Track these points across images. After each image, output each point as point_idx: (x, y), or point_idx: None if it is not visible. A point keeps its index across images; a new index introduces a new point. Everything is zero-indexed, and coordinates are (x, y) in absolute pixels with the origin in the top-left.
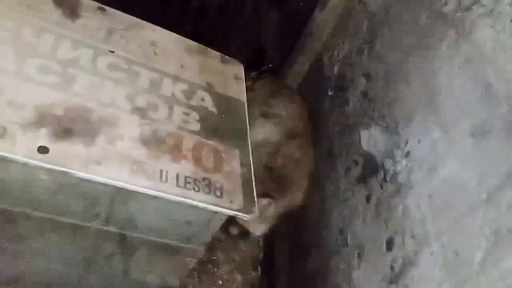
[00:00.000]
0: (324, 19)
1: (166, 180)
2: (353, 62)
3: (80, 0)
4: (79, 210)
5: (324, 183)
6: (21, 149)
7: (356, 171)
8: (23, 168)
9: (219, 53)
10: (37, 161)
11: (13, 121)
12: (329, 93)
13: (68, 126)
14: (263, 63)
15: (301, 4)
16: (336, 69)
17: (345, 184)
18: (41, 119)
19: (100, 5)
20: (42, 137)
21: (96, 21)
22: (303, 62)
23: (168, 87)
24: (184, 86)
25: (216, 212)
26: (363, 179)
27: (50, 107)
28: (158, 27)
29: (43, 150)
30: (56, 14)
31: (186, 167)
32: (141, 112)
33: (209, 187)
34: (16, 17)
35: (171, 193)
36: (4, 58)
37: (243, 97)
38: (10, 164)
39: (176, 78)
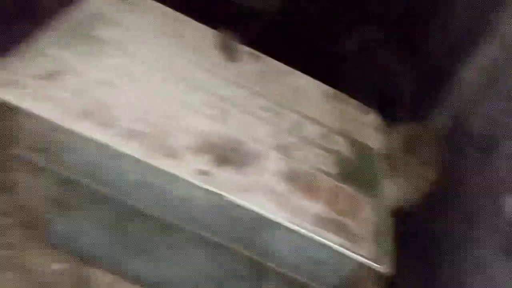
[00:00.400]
0: (469, 76)
1: (302, 215)
2: (500, 122)
3: (239, 46)
4: (224, 230)
5: (459, 251)
6: (187, 169)
7: (500, 241)
8: (186, 186)
9: (358, 102)
10: (198, 182)
11: (183, 144)
12: (470, 153)
13: (226, 155)
14: (396, 114)
15: (443, 57)
16: (479, 129)
17: (487, 255)
18: (204, 146)
19: (256, 52)
20: (204, 162)
21: (250, 65)
22: (441, 118)
23: (308, 129)
24: (323, 130)
25: (346, 257)
26: (509, 251)
27: (212, 137)
28: (304, 75)
29: (204, 173)
30: (219, 57)
31: (321, 207)
32: (284, 150)
33: (342, 230)
34: (188, 58)
35: (306, 229)
36: (177, 91)
37: (379, 147)
38: (177, 181)
39: (315, 122)
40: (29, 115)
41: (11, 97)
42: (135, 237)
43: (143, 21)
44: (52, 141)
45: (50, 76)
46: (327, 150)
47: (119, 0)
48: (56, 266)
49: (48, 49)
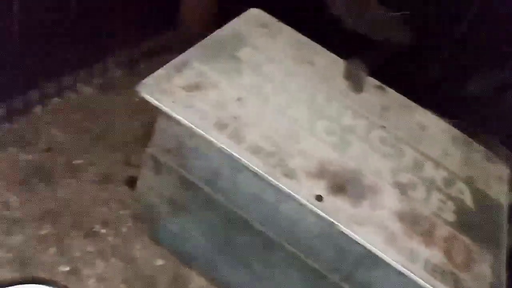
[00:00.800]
0: None
1: (415, 261)
2: None
3: (364, 77)
4: (326, 259)
5: None
6: (303, 192)
7: None
8: (299, 208)
9: (485, 149)
10: (313, 206)
11: (302, 167)
12: None
13: (342, 184)
14: None
15: None
16: None
17: None
18: (322, 172)
19: (380, 84)
20: (320, 187)
21: (375, 97)
22: None
23: (429, 170)
24: (445, 174)
25: None
26: None
27: (329, 163)
28: (428, 112)
29: (319, 198)
30: (344, 86)
31: (435, 255)
32: (401, 188)
33: (456, 284)
34: (315, 84)
35: (418, 275)
36: (302, 115)
37: (505, 200)
38: (291, 201)
39: (438, 164)
40: (171, 119)
41: (163, 103)
42: (237, 247)
43: (278, 46)
44: (184, 145)
45: (194, 88)
46: (448, 196)
47: (260, 24)
48: (158, 261)
49: (195, 64)
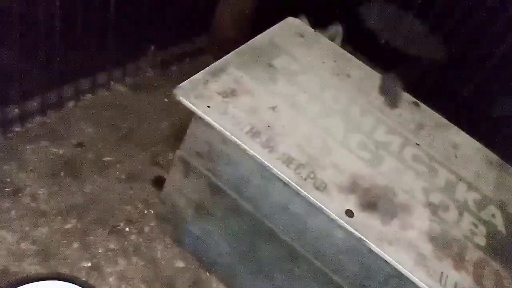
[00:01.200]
0: None
1: (445, 284)
2: None
3: (400, 92)
4: (353, 275)
5: None
6: (334, 206)
7: None
8: (328, 222)
9: None
10: (343, 221)
11: (333, 181)
12: None
13: (373, 201)
14: None
15: None
16: None
17: None
18: (353, 186)
19: (416, 100)
20: (351, 203)
21: (410, 113)
22: None
23: (461, 192)
24: (477, 196)
25: None
26: None
27: (361, 178)
28: (463, 132)
29: (349, 213)
30: (379, 100)
31: (465, 279)
32: (433, 208)
33: None
34: (350, 96)
35: None
36: (336, 127)
37: None
38: (320, 215)
39: (470, 186)
40: (205, 124)
41: (199, 107)
42: (260, 256)
43: (314, 56)
44: (215, 150)
45: (230, 94)
46: (480, 219)
47: (296, 34)
48: (179, 263)
49: (232, 70)
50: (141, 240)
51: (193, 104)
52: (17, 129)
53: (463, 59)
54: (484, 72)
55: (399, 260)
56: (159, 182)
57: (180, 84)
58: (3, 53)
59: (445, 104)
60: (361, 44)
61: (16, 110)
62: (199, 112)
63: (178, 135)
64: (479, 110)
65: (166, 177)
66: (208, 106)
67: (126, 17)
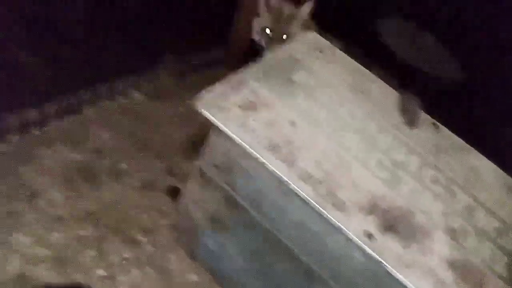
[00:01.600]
0: None
1: None
2: None
3: (419, 113)
4: None
5: None
6: (353, 227)
7: None
8: (346, 242)
9: None
10: (361, 242)
11: (352, 200)
12: None
13: (392, 223)
14: None
15: None
16: None
17: None
18: (372, 207)
19: (435, 121)
20: (370, 223)
21: (428, 134)
22: None
23: (481, 218)
24: (498, 224)
25: None
26: None
27: (380, 199)
28: (482, 156)
29: (369, 235)
30: (398, 119)
31: None
32: (453, 233)
33: None
34: (368, 113)
35: None
36: (354, 144)
37: None
38: (338, 235)
39: (490, 212)
40: (224, 136)
41: (219, 119)
42: (275, 274)
43: (333, 72)
44: (234, 163)
45: (250, 107)
46: (501, 248)
47: (316, 48)
48: (192, 277)
49: (252, 83)
50: (155, 250)
51: (213, 116)
52: (36, 132)
53: (483, 81)
54: (506, 95)
55: (418, 285)
56: (173, 192)
57: (200, 95)
58: (22, 56)
59: (462, 125)
60: (379, 59)
61: (34, 113)
62: (219, 124)
63: (193, 145)
64: (498, 134)
65: (180, 187)
66: (228, 119)
67: (145, 25)
